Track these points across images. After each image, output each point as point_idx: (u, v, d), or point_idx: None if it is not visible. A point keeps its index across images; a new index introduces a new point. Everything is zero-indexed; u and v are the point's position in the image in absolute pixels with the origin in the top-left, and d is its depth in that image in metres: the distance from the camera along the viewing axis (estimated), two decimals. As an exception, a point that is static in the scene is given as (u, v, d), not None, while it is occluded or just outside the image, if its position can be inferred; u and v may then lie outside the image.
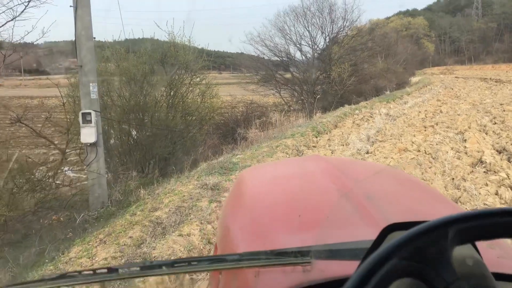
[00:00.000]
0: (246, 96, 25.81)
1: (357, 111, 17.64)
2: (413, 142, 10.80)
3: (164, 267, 1.27)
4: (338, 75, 22.30)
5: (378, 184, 2.24)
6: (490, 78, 41.04)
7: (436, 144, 10.53)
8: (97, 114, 7.85)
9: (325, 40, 26.18)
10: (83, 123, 7.68)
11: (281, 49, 26.01)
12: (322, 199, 1.96)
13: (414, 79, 47.29)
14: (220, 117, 18.94)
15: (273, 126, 15.96)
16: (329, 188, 2.05)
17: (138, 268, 1.25)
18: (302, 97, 22.89)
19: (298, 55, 26.58)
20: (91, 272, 1.24)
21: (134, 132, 10.99)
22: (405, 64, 50.22)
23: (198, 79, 11.69)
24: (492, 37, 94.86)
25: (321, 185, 2.15)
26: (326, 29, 25.77)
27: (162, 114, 10.89)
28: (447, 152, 9.41)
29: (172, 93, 10.79)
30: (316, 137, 12.21)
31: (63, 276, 1.26)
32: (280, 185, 2.36)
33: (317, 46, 26.35)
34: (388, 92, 28.26)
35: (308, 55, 26.37)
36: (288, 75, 26.14)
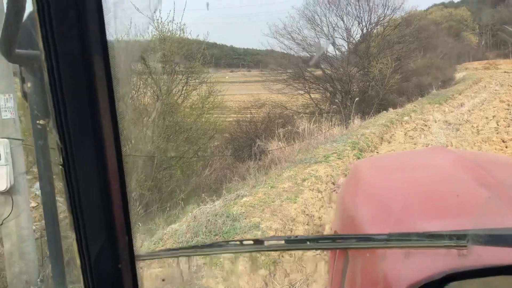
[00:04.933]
0: (272, 96, 22.64)
1: (405, 117, 14.18)
2: (503, 170, 7.41)
3: (308, 242, 1.36)
4: (379, 72, 18.80)
5: None
6: (548, 74, 36.40)
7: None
8: (15, 144, 4.86)
9: (362, 31, 22.66)
10: (-16, 159, 4.70)
11: (311, 43, 22.61)
12: (458, 189, 1.93)
13: (458, 75, 42.96)
14: (235, 125, 15.93)
15: (300, 138, 12.71)
16: (464, 178, 2.01)
17: (283, 242, 1.32)
18: (336, 99, 19.49)
19: (330, 49, 23.10)
20: (239, 242, 1.34)
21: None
22: (447, 58, 46.06)
23: (197, 81, 8.51)
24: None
25: (454, 175, 2.13)
26: (363, 19, 22.24)
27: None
28: None
29: (158, 103, 7.68)
30: (359, 157, 8.92)
31: (213, 244, 1.40)
32: (408, 174, 2.37)
33: (353, 39, 22.85)
34: (434, 91, 24.49)
35: (343, 49, 22.90)
36: (318, 73, 22.74)
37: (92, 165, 0.74)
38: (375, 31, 22.83)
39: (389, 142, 10.96)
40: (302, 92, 21.95)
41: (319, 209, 6.17)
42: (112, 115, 0.74)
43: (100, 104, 0.72)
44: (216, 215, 5.30)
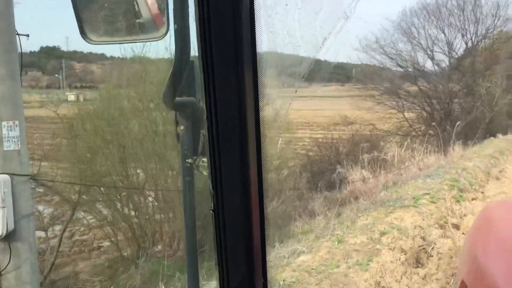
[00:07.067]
0: (361, 114, 20.98)
1: (519, 147, 11.89)
2: None
3: None
4: (487, 91, 16.35)
5: None
6: None
7: None
8: (18, 181, 4.05)
9: (466, 45, 20.13)
10: (-19, 197, 3.92)
11: (406, 58, 20.53)
12: None
13: None
14: (315, 147, 14.60)
15: (388, 167, 11.04)
16: None
17: None
18: (433, 122, 17.31)
19: (428, 64, 20.81)
20: None
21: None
22: None
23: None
24: None
25: None
26: (468, 31, 19.75)
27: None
28: None
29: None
30: (458, 201, 7.16)
31: None
32: None
33: (455, 53, 20.38)
34: (554, 114, 21.16)
35: (443, 65, 20.51)
36: (414, 90, 20.57)
37: (239, 212, 0.86)
38: (482, 44, 20.19)
39: (498, 179, 8.96)
40: (395, 111, 19.96)
41: (401, 277, 4.66)
42: (258, 164, 0.85)
43: (249, 152, 0.83)
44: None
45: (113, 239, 7.06)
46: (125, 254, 6.89)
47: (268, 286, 0.92)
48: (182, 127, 1.25)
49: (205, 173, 1.04)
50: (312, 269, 4.40)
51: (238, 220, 0.85)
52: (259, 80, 0.83)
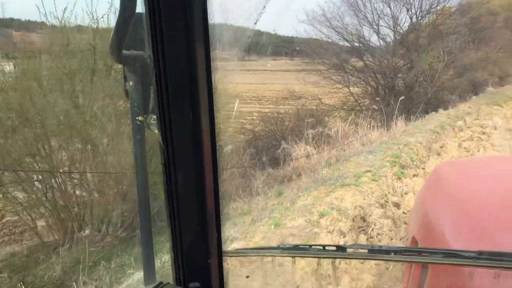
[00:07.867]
0: (308, 88, 20.87)
1: (459, 122, 12.04)
2: None
3: (392, 253, 1.29)
4: (429, 66, 16.52)
5: None
6: None
7: None
8: None
9: (411, 19, 20.24)
10: None
11: (352, 32, 20.39)
12: None
13: (517, 71, 39.33)
14: (262, 122, 14.31)
15: (332, 142, 10.89)
16: None
17: (366, 250, 1.31)
18: (377, 96, 17.34)
19: (374, 39, 20.79)
20: (321, 247, 1.36)
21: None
22: (503, 52, 42.34)
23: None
24: None
25: None
26: (413, 5, 19.83)
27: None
28: None
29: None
30: (400, 178, 7.06)
31: (296, 247, 1.45)
32: (497, 183, 2.23)
33: (400, 28, 20.47)
34: (491, 89, 21.95)
35: (388, 39, 20.57)
36: (360, 64, 20.58)
37: (191, 165, 0.84)
38: (425, 20, 20.39)
39: (438, 155, 8.98)
40: (341, 85, 19.94)
41: (339, 263, 4.42)
42: (211, 117, 0.82)
43: (201, 106, 0.80)
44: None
45: (32, 224, 6.43)
46: (46, 241, 6.28)
47: (222, 240, 0.91)
48: (131, 83, 1.20)
49: (156, 131, 1.00)
50: (244, 257, 4.06)
51: (190, 173, 0.84)
52: (210, 32, 0.80)
